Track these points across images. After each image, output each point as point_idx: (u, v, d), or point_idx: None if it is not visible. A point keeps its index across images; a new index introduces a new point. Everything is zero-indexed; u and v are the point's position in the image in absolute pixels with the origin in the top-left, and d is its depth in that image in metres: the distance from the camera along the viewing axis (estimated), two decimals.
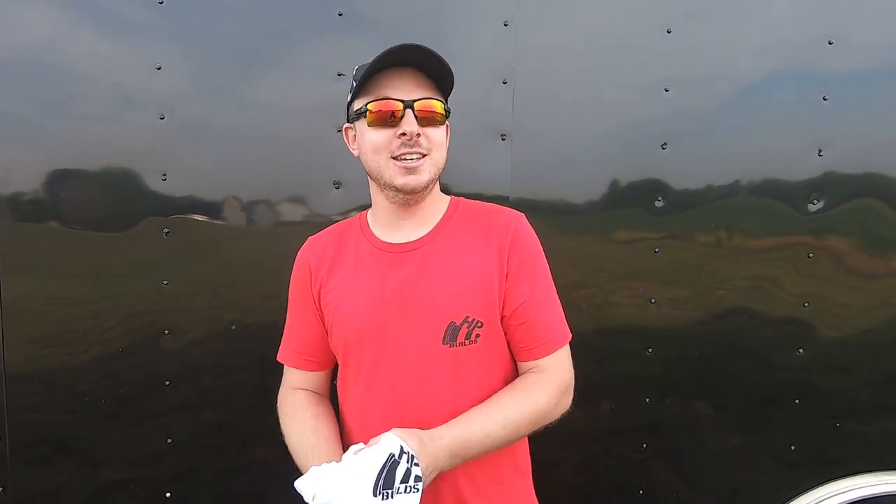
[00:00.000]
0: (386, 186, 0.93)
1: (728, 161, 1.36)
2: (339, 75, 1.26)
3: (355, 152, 0.99)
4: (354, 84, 0.94)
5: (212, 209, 1.28)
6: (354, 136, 0.98)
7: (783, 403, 1.41)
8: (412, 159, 0.90)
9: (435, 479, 0.85)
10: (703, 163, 1.35)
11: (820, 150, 1.36)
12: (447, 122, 0.98)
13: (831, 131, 1.36)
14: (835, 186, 1.37)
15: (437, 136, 0.92)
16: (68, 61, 1.23)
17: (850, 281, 1.40)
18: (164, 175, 1.25)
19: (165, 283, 1.26)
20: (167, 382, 1.28)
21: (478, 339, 0.92)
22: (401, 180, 0.90)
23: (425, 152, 0.91)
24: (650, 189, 1.34)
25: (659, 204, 1.34)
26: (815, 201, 1.37)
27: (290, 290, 1.07)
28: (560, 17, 1.31)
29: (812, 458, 1.43)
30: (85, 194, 1.25)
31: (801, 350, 1.40)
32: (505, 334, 0.96)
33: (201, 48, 1.26)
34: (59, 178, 1.24)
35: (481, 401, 0.92)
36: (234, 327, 1.29)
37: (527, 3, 1.29)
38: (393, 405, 0.93)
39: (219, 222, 1.29)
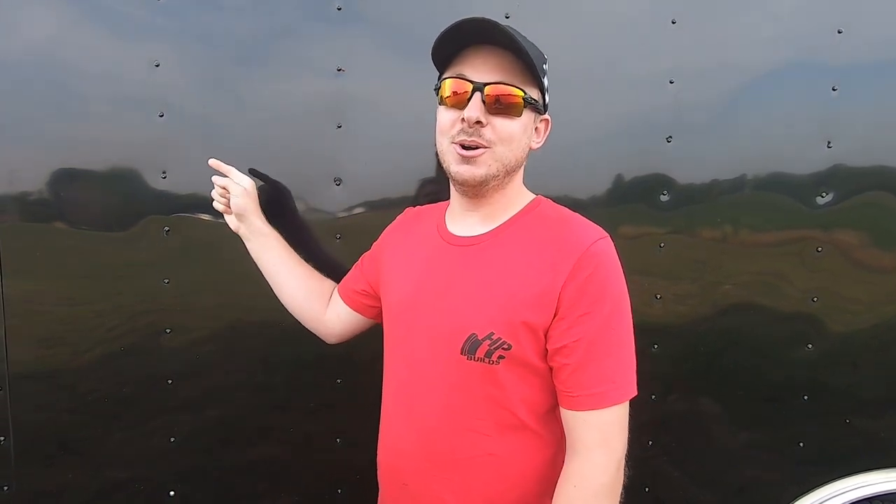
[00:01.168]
0: (447, 172, 0.87)
1: (734, 154, 1.33)
2: (339, 70, 1.25)
3: None
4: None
5: (212, 207, 1.27)
6: None
7: (791, 400, 1.39)
8: (471, 149, 0.81)
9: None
10: (708, 156, 1.33)
11: (829, 142, 1.34)
12: (545, 115, 0.91)
13: (840, 123, 1.33)
14: (844, 179, 1.34)
15: (507, 129, 0.81)
16: (66, 60, 1.22)
17: (860, 275, 1.37)
18: (164, 173, 1.25)
19: (166, 281, 1.26)
20: (169, 381, 1.27)
21: (500, 362, 0.82)
22: (455, 167, 0.83)
23: (487, 144, 0.81)
24: (655, 183, 1.32)
25: (664, 198, 1.32)
26: (824, 194, 1.34)
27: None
28: (562, 9, 1.29)
29: (821, 454, 1.41)
30: (85, 193, 1.25)
31: (809, 346, 1.38)
32: (550, 370, 0.85)
33: (200, 45, 1.25)
34: (59, 178, 1.23)
35: (503, 429, 0.84)
36: (235, 326, 1.29)
37: None
38: (403, 402, 0.93)
39: (220, 220, 1.27)
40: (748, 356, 1.37)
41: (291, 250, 1.18)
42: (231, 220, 1.17)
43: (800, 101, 1.34)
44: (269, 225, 1.16)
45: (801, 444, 1.40)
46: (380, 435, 1.01)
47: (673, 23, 1.30)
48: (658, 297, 1.34)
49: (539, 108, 0.88)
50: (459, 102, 0.81)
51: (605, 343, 0.81)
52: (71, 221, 1.25)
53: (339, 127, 1.26)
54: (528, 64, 0.81)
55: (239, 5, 1.25)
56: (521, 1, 1.27)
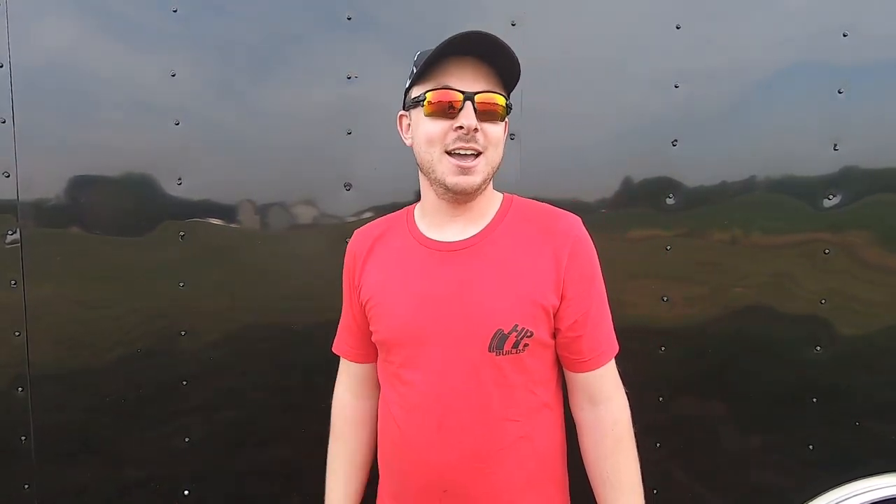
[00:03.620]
0: (436, 182, 0.89)
1: (740, 157, 1.34)
2: (349, 78, 1.28)
3: (408, 142, 0.95)
4: (415, 70, 0.89)
5: (226, 212, 1.30)
6: (409, 124, 0.94)
7: (801, 402, 1.39)
8: (466, 155, 0.85)
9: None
10: (714, 159, 1.33)
11: (835, 145, 1.34)
12: (507, 119, 0.93)
13: (847, 125, 1.33)
14: (851, 181, 1.34)
15: (495, 133, 0.87)
16: (85, 70, 1.27)
17: (868, 277, 1.37)
18: (180, 180, 1.28)
19: (182, 285, 1.29)
20: (184, 383, 1.30)
21: (525, 349, 0.88)
22: (452, 179, 0.86)
23: (481, 149, 0.86)
24: (661, 186, 1.33)
25: (670, 201, 1.33)
26: (831, 197, 1.35)
27: (343, 282, 1.07)
28: (568, 15, 1.31)
29: (831, 457, 1.40)
30: (103, 199, 1.29)
31: (818, 348, 1.38)
32: (556, 344, 0.93)
33: (214, 54, 1.29)
34: (79, 184, 1.28)
35: (528, 409, 0.91)
36: (249, 328, 1.31)
37: (534, 2, 1.30)
38: (433, 411, 0.91)
39: (233, 225, 1.31)
40: (756, 358, 1.37)
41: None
42: None
43: (806, 103, 1.34)
44: None
45: (811, 447, 1.40)
46: (397, 457, 0.97)
47: (677, 28, 1.31)
48: (665, 299, 1.35)
49: (510, 110, 0.93)
50: (448, 112, 0.84)
51: (600, 308, 0.95)
52: (89, 227, 1.29)
53: (350, 133, 1.29)
54: (499, 71, 0.87)
55: (252, 15, 1.28)
56: (526, 8, 1.29)
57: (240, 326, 1.32)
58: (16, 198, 1.26)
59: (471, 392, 0.88)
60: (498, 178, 1.31)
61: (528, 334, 0.88)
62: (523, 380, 0.90)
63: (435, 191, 0.92)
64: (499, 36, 0.84)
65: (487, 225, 0.94)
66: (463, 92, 0.84)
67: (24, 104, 1.26)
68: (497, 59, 0.86)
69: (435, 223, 0.96)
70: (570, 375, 0.96)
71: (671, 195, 1.33)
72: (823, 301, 1.37)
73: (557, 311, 0.90)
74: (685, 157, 1.33)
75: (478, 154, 0.86)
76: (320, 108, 1.29)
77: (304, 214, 1.32)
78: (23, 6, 1.25)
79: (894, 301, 1.38)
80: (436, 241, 0.94)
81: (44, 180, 1.28)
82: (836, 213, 1.35)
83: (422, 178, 0.95)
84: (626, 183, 1.34)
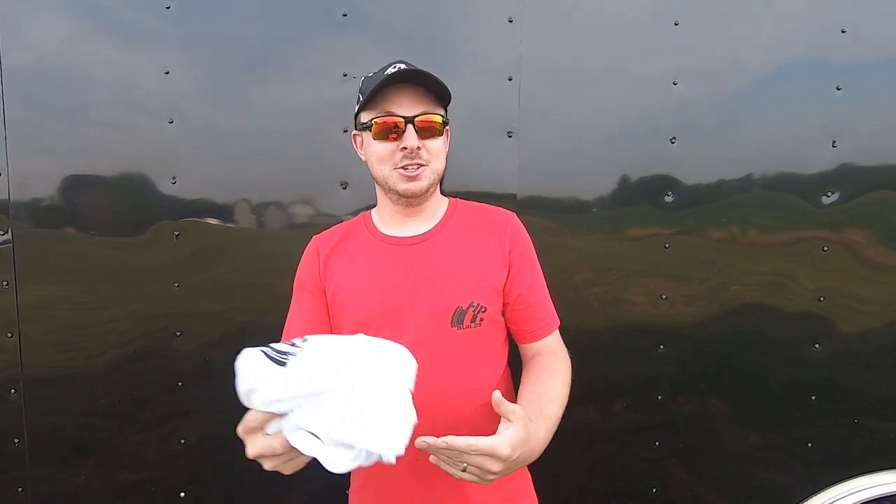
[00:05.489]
0: (391, 192, 1.02)
1: (739, 154, 1.33)
2: (345, 75, 1.26)
3: (363, 157, 1.06)
4: (361, 97, 1.01)
5: (221, 211, 1.29)
6: (362, 142, 1.05)
7: (799, 400, 1.39)
8: (413, 169, 0.98)
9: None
10: (713, 157, 1.33)
11: (834, 142, 1.34)
12: (447, 129, 1.06)
13: (845, 122, 1.33)
14: (849, 178, 1.34)
15: (436, 147, 1.00)
16: (78, 68, 1.25)
17: (867, 274, 1.37)
18: (174, 179, 1.27)
19: (177, 285, 1.28)
20: (180, 384, 1.29)
21: (482, 323, 1.01)
22: (403, 186, 0.99)
23: (424, 163, 0.99)
24: (659, 184, 1.32)
25: (668, 199, 1.33)
26: (830, 194, 1.34)
27: (296, 281, 1.09)
28: (565, 12, 1.30)
29: (830, 455, 1.40)
30: (97, 199, 1.27)
31: (817, 346, 1.37)
32: (507, 319, 1.06)
33: (208, 52, 1.28)
34: (71, 184, 1.26)
35: (487, 380, 1.02)
36: (244, 328, 1.30)
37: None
38: None
39: (228, 224, 1.30)
40: (755, 357, 1.37)
41: None
42: None
43: (804, 100, 1.34)
44: None
45: (810, 445, 1.40)
46: None
47: (675, 25, 1.31)
48: (664, 297, 1.34)
49: (448, 123, 1.05)
50: (393, 135, 0.97)
51: (539, 283, 1.08)
52: (83, 227, 1.27)
53: (346, 131, 1.28)
54: (433, 92, 0.99)
55: (246, 12, 1.27)
56: (523, 5, 1.28)
57: (235, 326, 1.30)
58: (7, 198, 1.24)
59: (438, 367, 0.98)
60: (498, 178, 1.32)
61: (483, 309, 1.00)
62: (482, 353, 1.02)
63: (390, 199, 1.04)
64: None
65: (439, 222, 1.07)
66: (404, 117, 0.96)
67: (16, 103, 1.24)
68: (428, 83, 0.98)
69: (392, 225, 1.08)
70: (522, 349, 1.09)
71: (670, 193, 1.32)
72: (822, 299, 1.36)
73: (505, 286, 1.04)
74: (684, 155, 1.32)
75: (422, 165, 0.99)
76: (316, 107, 1.28)
77: (301, 213, 1.31)
78: (13, 4, 1.23)
79: (893, 299, 1.38)
80: (396, 237, 1.06)
81: (36, 180, 1.26)
82: (834, 210, 1.34)
83: (377, 188, 1.06)
84: (625, 181, 1.33)
